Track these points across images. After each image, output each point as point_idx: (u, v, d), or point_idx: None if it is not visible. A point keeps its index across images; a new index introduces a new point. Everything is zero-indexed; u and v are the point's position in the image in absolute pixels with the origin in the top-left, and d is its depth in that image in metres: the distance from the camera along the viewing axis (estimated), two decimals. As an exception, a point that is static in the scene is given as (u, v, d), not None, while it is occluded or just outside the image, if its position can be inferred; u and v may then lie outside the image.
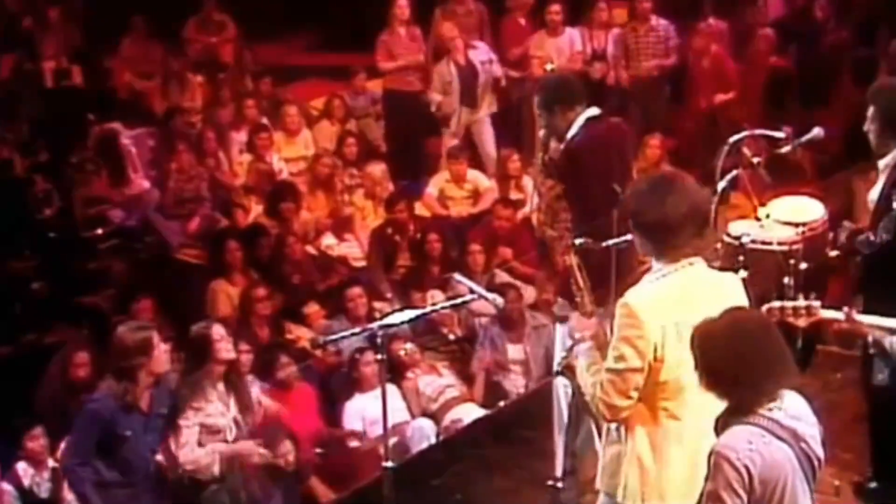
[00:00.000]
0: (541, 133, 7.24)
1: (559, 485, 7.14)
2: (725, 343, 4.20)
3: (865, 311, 6.48)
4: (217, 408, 7.47)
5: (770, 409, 4.18)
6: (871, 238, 6.57)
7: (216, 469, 7.40)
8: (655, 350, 4.69)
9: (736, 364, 4.17)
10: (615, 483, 4.93)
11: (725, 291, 4.85)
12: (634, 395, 4.74)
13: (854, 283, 6.86)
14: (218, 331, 7.50)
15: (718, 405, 4.54)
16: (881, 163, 6.64)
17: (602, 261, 6.67)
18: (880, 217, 6.57)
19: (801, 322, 5.44)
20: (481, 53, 12.89)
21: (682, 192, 4.75)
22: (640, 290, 4.79)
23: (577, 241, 5.86)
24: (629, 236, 5.10)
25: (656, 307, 4.70)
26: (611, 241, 6.05)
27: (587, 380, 4.90)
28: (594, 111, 7.01)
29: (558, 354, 7.11)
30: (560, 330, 7.12)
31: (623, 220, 5.17)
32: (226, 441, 7.49)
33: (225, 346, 7.48)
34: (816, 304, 5.45)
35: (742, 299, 4.89)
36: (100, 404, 7.05)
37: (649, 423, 4.81)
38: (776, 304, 5.46)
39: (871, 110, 6.61)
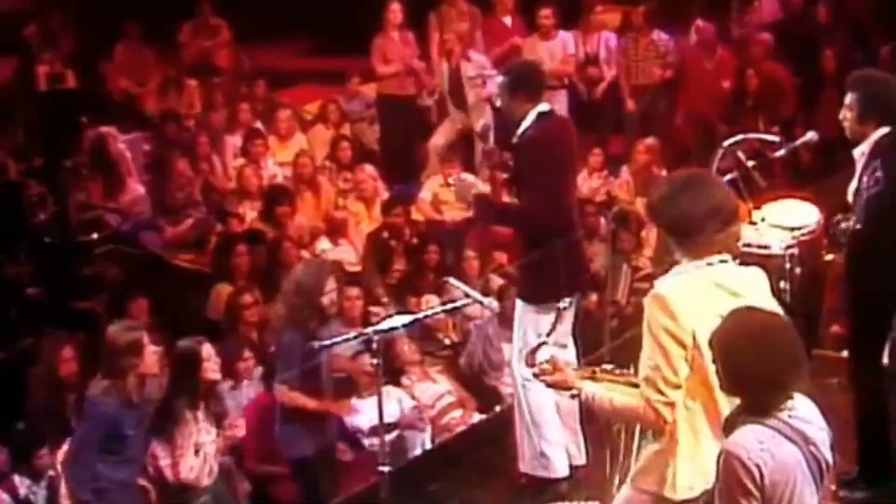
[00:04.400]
0: (479, 125, 7.47)
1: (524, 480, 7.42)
2: (751, 344, 4.19)
3: (851, 302, 6.63)
4: (202, 426, 7.45)
5: (782, 411, 4.19)
6: (849, 227, 6.67)
7: (206, 481, 7.38)
8: (694, 337, 4.66)
9: (760, 365, 4.16)
10: (659, 479, 4.87)
11: (751, 288, 4.83)
12: (682, 384, 4.68)
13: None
14: (207, 350, 7.48)
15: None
16: (856, 151, 6.72)
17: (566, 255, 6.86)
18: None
19: None
20: (471, 68, 12.88)
21: (700, 191, 4.77)
22: (668, 282, 4.79)
23: None
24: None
25: (687, 298, 4.69)
26: None
27: (623, 401, 4.83)
28: (545, 107, 7.26)
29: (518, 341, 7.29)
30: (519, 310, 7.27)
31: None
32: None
33: (211, 367, 7.46)
34: None
35: (767, 295, 4.89)
36: (106, 405, 7.01)
37: (687, 418, 4.76)
38: None
39: (849, 97, 6.69)
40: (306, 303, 7.36)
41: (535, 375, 5.08)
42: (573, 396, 5.03)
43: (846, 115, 6.70)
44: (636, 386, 4.85)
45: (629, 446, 5.14)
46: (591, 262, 9.83)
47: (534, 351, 5.22)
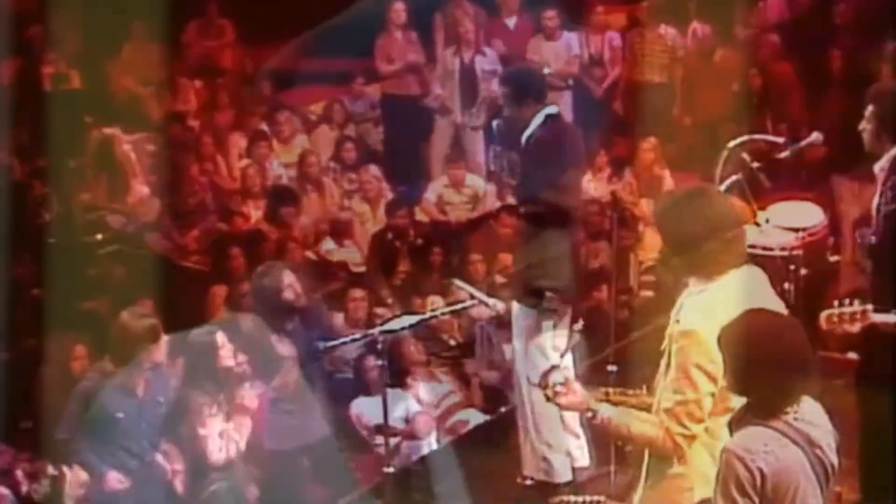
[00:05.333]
0: (495, 123, 7.41)
1: (528, 482, 7.36)
2: (760, 345, 4.19)
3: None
4: (219, 411, 7.49)
5: (787, 413, 4.19)
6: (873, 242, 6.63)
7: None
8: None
9: (768, 367, 4.16)
10: None
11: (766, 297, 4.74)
12: (706, 418, 4.65)
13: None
14: (221, 338, 7.52)
15: None
16: (876, 167, 6.64)
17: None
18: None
19: (855, 328, 5.44)
20: (486, 62, 12.90)
21: (700, 210, 4.68)
22: (696, 314, 4.66)
23: None
24: None
25: (718, 328, 4.50)
26: None
27: (641, 428, 4.75)
28: (553, 109, 7.15)
29: (539, 355, 7.15)
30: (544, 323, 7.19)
31: None
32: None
33: (226, 354, 7.50)
34: (869, 307, 5.45)
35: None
36: (90, 382, 7.12)
37: (707, 442, 4.71)
38: (831, 311, 5.45)
39: (869, 109, 6.59)
40: (271, 305, 7.40)
41: (549, 398, 4.95)
42: (588, 419, 4.95)
43: (865, 128, 6.60)
44: (648, 405, 4.82)
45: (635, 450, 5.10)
46: (596, 258, 9.87)
47: (546, 373, 5.06)
